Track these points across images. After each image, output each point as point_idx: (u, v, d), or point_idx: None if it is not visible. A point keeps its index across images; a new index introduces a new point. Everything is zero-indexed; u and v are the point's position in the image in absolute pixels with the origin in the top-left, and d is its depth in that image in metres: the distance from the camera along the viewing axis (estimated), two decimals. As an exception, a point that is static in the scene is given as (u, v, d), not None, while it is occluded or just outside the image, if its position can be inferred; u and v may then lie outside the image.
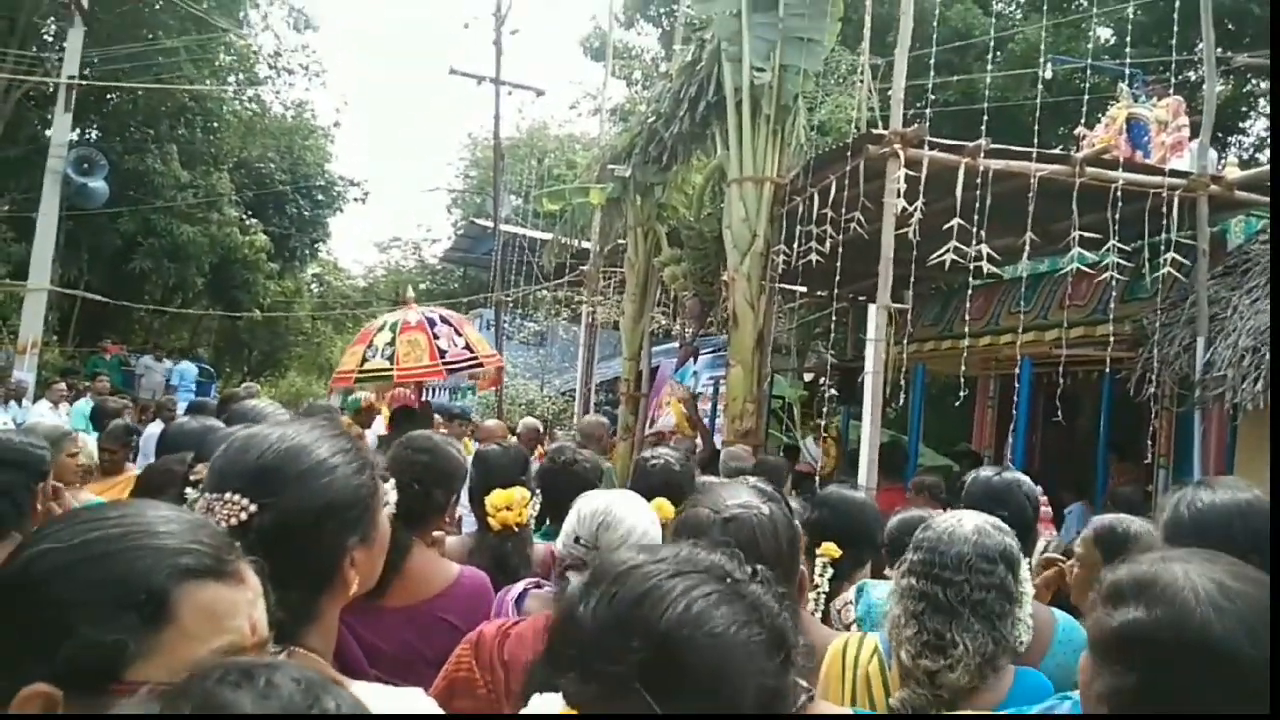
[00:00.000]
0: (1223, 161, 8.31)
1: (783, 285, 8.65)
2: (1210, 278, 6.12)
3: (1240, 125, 16.55)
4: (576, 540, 1.87)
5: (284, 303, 26.11)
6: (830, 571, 2.29)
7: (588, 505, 1.92)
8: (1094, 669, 1.05)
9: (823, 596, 2.26)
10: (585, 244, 11.05)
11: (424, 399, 9.45)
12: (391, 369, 6.60)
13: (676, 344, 12.35)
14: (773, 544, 1.44)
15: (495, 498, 2.49)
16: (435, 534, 2.36)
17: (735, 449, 5.66)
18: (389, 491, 1.33)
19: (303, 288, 29.23)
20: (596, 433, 6.76)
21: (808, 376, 12.69)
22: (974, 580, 1.72)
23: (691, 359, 11.35)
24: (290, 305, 26.73)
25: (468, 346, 6.19)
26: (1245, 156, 14.94)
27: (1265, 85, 15.01)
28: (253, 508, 1.17)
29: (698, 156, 8.61)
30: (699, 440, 8.32)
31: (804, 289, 10.46)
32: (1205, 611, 0.97)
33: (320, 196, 25.41)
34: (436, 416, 7.58)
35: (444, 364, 6.29)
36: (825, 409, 7.75)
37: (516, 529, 2.47)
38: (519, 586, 2.10)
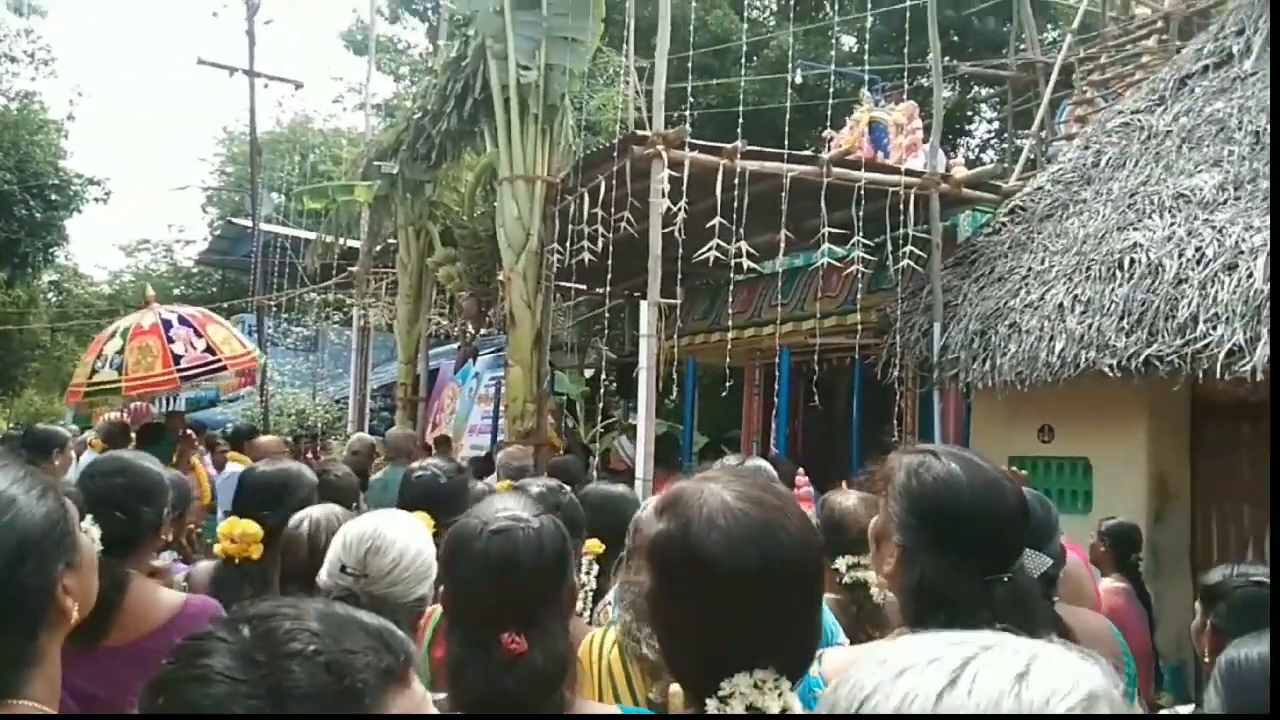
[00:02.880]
0: (951, 161, 9.12)
1: (561, 283, 8.72)
2: (943, 268, 6.71)
3: (966, 128, 18.27)
4: (343, 569, 1.76)
5: (16, 314, 23.51)
6: (596, 569, 2.33)
7: (354, 529, 1.82)
8: (641, 570, 1.25)
9: (590, 595, 2.30)
10: (354, 243, 10.63)
11: (176, 410, 8.76)
12: (120, 380, 5.99)
13: (455, 345, 12.17)
14: (535, 558, 1.43)
15: (225, 526, 2.33)
16: (156, 563, 2.19)
17: (513, 449, 5.64)
18: (89, 525, 1.22)
19: (37, 297, 26.42)
20: (404, 446, 6.38)
21: (589, 372, 12.85)
22: None
23: (471, 360, 11.22)
24: (23, 317, 24.12)
25: (209, 349, 5.66)
26: (971, 156, 16.49)
27: (986, 91, 16.64)
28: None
29: (468, 154, 8.50)
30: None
31: (583, 286, 10.57)
32: (700, 527, 1.16)
33: (54, 196, 22.88)
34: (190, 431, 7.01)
35: (178, 371, 5.72)
36: (603, 404, 7.83)
37: (245, 562, 2.31)
38: None
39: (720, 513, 1.16)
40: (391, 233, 9.84)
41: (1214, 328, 4.83)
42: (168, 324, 5.83)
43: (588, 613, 2.28)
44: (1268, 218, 5.16)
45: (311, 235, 12.52)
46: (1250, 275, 4.83)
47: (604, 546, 2.35)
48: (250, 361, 6.13)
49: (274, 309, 16.04)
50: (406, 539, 1.82)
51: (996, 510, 1.50)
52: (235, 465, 6.40)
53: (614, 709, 1.62)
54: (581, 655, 1.81)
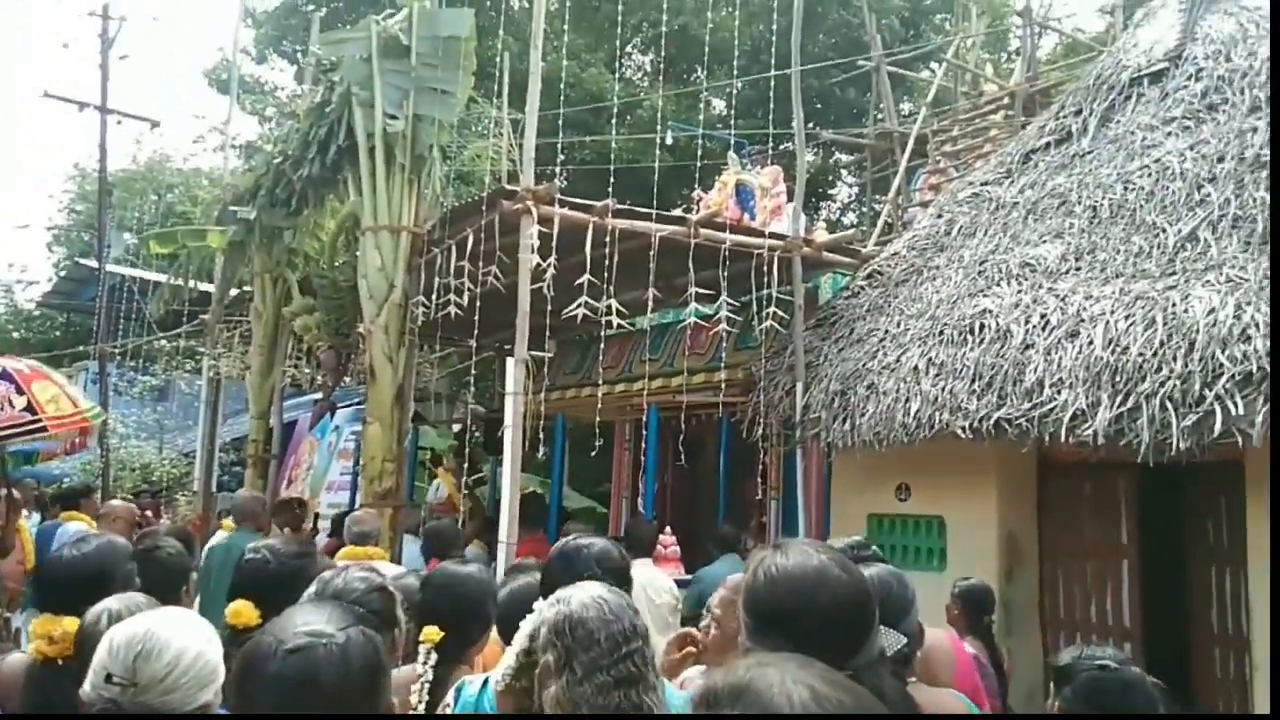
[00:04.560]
0: (814, 225, 9.42)
1: (429, 334, 8.49)
2: (805, 329, 6.84)
3: (828, 192, 19.00)
4: (108, 678, 1.54)
5: None
6: (434, 658, 2.17)
7: (121, 632, 1.61)
8: None
9: (426, 686, 2.13)
10: (207, 288, 10.11)
11: (11, 472, 8.03)
12: None
13: (314, 398, 11.69)
14: (337, 681, 1.28)
15: (37, 626, 2.06)
16: None
17: (359, 513, 5.38)
18: None
19: None
20: (251, 508, 6.02)
21: (456, 426, 12.54)
22: (614, 654, 1.69)
23: (329, 414, 10.78)
24: None
25: (29, 407, 5.15)
26: (833, 219, 17.13)
27: (847, 157, 17.34)
28: None
29: (330, 202, 8.22)
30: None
31: (453, 338, 10.33)
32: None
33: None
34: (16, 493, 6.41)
35: None
36: (466, 462, 7.59)
37: (64, 661, 2.03)
38: None
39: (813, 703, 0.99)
40: (247, 280, 9.40)
41: (1058, 392, 5.05)
42: None
43: (422, 706, 2.11)
44: (1105, 287, 5.46)
45: (164, 278, 11.88)
46: (1091, 342, 5.08)
47: (443, 634, 2.19)
48: (80, 422, 5.60)
49: (119, 356, 15.11)
50: (185, 640, 1.61)
51: (822, 603, 1.49)
52: (77, 525, 5.93)
53: None
54: None
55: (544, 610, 1.82)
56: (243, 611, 1.97)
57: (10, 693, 2.15)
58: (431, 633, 2.18)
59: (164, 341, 13.30)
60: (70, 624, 2.09)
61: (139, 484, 14.21)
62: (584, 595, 1.80)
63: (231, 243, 8.44)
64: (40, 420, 5.15)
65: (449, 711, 1.97)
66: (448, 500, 9.56)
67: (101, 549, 2.50)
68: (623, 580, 2.28)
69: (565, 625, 1.75)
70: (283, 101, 20.24)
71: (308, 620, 1.34)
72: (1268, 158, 5.58)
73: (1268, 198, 5.34)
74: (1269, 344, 4.32)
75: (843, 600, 1.53)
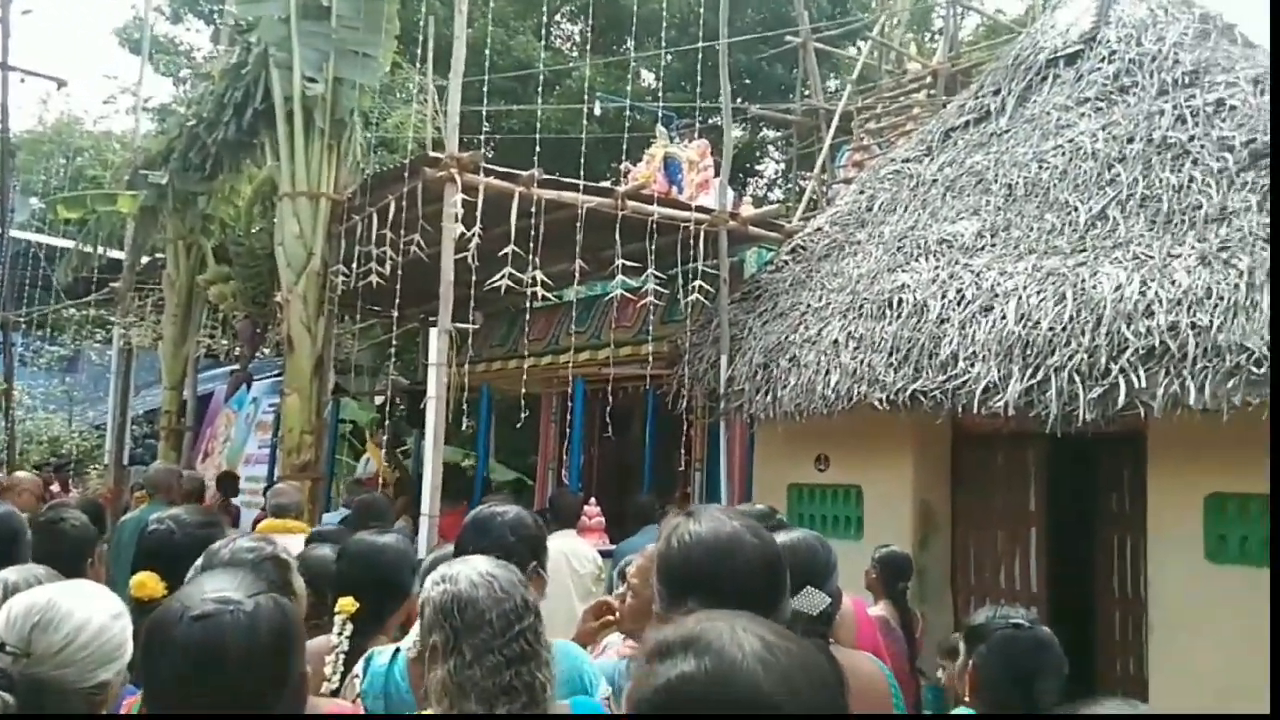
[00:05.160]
0: (740, 200, 9.45)
1: (348, 306, 8.33)
2: (730, 303, 6.90)
3: (755, 167, 19.10)
4: (1, 648, 1.47)
5: None
6: (349, 628, 2.14)
7: (20, 602, 1.55)
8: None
9: (340, 656, 2.11)
10: (117, 255, 9.74)
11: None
12: None
13: (230, 369, 11.38)
14: (245, 648, 1.25)
15: None
16: None
17: (281, 485, 5.28)
18: None
19: None
20: (165, 481, 5.90)
21: (380, 399, 12.36)
22: (505, 633, 1.68)
23: (246, 385, 10.52)
24: None
25: None
26: (759, 195, 17.24)
27: (774, 133, 17.46)
28: None
29: (247, 167, 7.98)
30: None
31: (375, 308, 10.15)
32: (751, 665, 0.97)
33: None
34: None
35: None
36: (388, 435, 7.50)
37: None
38: None
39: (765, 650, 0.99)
40: (159, 247, 9.08)
41: (972, 365, 5.19)
42: None
43: (336, 677, 2.09)
44: (1019, 263, 5.62)
45: (72, 245, 11.41)
46: (1004, 317, 5.23)
47: (358, 604, 2.16)
48: None
49: (25, 325, 14.49)
50: (86, 613, 1.55)
51: (736, 567, 1.51)
52: None
53: None
54: None
55: (429, 589, 1.75)
56: (147, 583, 1.91)
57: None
58: (347, 603, 2.16)
59: (72, 310, 12.79)
60: None
61: (47, 457, 13.73)
62: (471, 573, 1.73)
63: (143, 208, 8.14)
64: None
65: (357, 682, 1.94)
66: (376, 475, 9.45)
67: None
68: (537, 548, 2.27)
69: (453, 606, 1.68)
70: (198, 63, 19.52)
71: (217, 587, 1.31)
72: (1174, 139, 5.79)
73: (1173, 179, 5.54)
74: (1270, 333, 4.30)
75: (755, 565, 1.55)
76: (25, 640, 1.49)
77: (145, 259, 9.50)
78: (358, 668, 1.97)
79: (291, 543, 2.70)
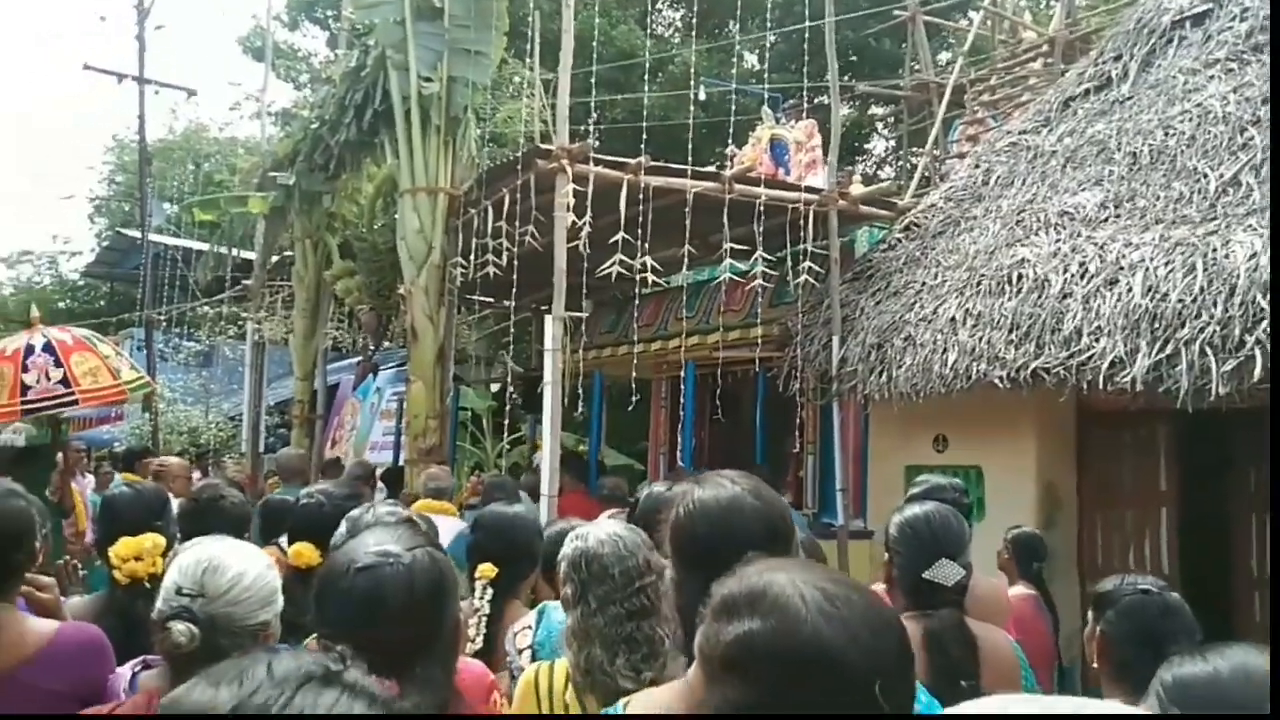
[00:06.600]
0: (850, 179, 9.32)
1: (465, 296, 8.59)
2: (841, 283, 6.85)
3: (863, 145, 18.76)
4: (179, 591, 1.69)
5: (-124, 330, 22.04)
6: (490, 593, 2.27)
7: (189, 555, 1.76)
8: (706, 683, 1.07)
9: (484, 619, 2.24)
10: (248, 255, 10.29)
11: (62, 438, 8.28)
12: None
13: (355, 360, 11.88)
14: (404, 597, 1.37)
15: (120, 548, 2.21)
16: (44, 595, 2.06)
17: (433, 470, 5.54)
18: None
19: (-91, 308, 24.88)
20: (296, 465, 6.28)
21: (495, 387, 12.70)
22: (627, 588, 1.80)
23: (371, 375, 10.97)
24: (-108, 329, 22.63)
25: (65, 380, 5.22)
26: (869, 173, 16.94)
27: (883, 110, 17.12)
28: None
29: (368, 165, 8.32)
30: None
31: (489, 299, 10.44)
32: (815, 619, 1.01)
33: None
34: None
35: (23, 404, 5.33)
36: (509, 419, 7.74)
37: (149, 582, 2.20)
38: (127, 669, 1.87)
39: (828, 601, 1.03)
40: (288, 245, 9.56)
41: (1096, 340, 5.03)
42: (30, 350, 5.38)
43: (480, 638, 2.22)
44: (1145, 234, 5.41)
45: (204, 247, 12.08)
46: (1130, 290, 5.05)
47: (497, 570, 2.29)
48: (115, 395, 5.70)
49: (164, 323, 15.43)
50: (245, 563, 1.76)
51: (735, 529, 1.52)
52: None
53: None
54: (526, 695, 1.77)
55: (565, 548, 1.94)
56: (304, 552, 2.08)
57: (86, 622, 2.28)
58: (487, 569, 2.29)
59: (207, 308, 13.55)
60: (155, 539, 2.25)
61: (187, 447, 14.56)
62: (600, 532, 1.92)
63: (272, 208, 8.58)
64: (72, 393, 5.26)
65: (529, 633, 2.10)
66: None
67: (150, 489, 2.86)
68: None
69: (582, 560, 1.86)
70: (315, 68, 20.33)
71: (379, 541, 1.44)
72: (1314, 99, 5.47)
73: (1314, 140, 5.24)
74: (1270, 330, 4.21)
75: (755, 528, 1.55)
76: (199, 583, 1.70)
77: (275, 257, 10.01)
78: (529, 619, 2.11)
79: (444, 524, 2.87)
